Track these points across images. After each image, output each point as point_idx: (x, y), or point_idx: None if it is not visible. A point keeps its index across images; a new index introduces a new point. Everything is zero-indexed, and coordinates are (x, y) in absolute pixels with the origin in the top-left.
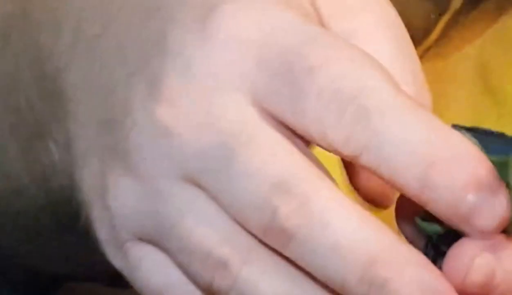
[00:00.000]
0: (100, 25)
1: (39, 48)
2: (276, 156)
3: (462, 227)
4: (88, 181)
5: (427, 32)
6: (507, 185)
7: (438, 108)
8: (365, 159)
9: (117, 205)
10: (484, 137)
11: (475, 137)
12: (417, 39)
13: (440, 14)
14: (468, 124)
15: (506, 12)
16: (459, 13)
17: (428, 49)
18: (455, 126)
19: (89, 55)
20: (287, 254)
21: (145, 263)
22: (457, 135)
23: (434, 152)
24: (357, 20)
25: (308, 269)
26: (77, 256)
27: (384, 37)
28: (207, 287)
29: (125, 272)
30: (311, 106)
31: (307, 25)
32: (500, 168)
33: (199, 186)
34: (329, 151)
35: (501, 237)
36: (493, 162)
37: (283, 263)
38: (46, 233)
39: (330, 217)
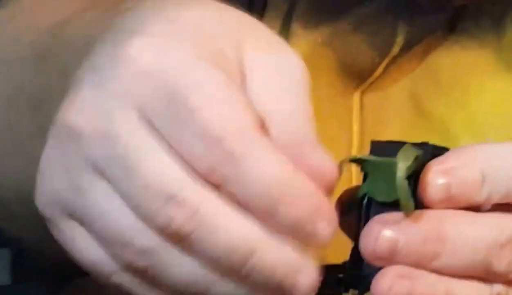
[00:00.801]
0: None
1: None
2: (161, 171)
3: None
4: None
5: (371, 71)
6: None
7: (380, 129)
8: (227, 189)
9: (43, 183)
10: (387, 147)
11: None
12: (363, 77)
13: (382, 58)
14: None
15: (431, 53)
16: (396, 56)
17: (372, 83)
18: (374, 141)
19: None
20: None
21: (74, 238)
22: (300, 179)
23: (280, 190)
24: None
25: None
26: None
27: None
28: (126, 265)
29: (62, 244)
30: (187, 138)
31: (200, 69)
32: (387, 168)
33: (108, 180)
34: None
35: (400, 214)
36: (386, 165)
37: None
38: None
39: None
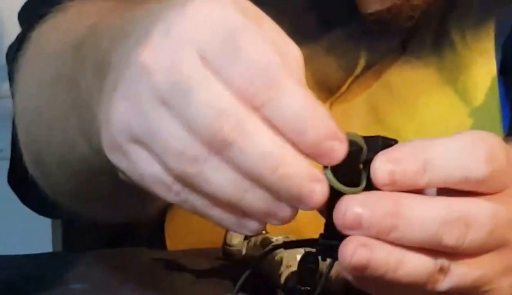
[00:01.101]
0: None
1: (100, 51)
2: (215, 94)
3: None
4: (101, 115)
5: (339, 87)
6: (360, 166)
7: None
8: (265, 113)
9: (115, 118)
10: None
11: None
12: (332, 91)
13: (348, 77)
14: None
15: (386, 72)
16: (358, 75)
17: (338, 96)
18: (348, 133)
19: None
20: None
21: (138, 159)
22: (321, 110)
23: (307, 115)
24: None
25: (240, 165)
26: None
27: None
28: (179, 175)
29: (125, 170)
30: (238, 73)
31: (245, 19)
32: (353, 162)
33: (168, 106)
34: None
35: (367, 193)
36: (351, 152)
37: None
38: (93, 176)
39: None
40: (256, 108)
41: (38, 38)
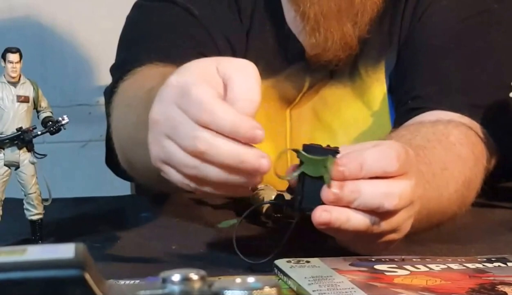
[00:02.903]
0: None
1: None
2: (188, 127)
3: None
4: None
5: (294, 99)
6: (323, 177)
7: (300, 129)
8: (212, 128)
9: (151, 152)
10: (312, 148)
11: (307, 149)
12: (290, 102)
13: (299, 93)
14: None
15: (322, 89)
16: (305, 92)
17: (294, 105)
18: (304, 145)
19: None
20: None
21: (171, 151)
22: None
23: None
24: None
25: None
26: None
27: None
28: (194, 152)
29: (162, 157)
30: (192, 109)
31: (194, 79)
32: (319, 164)
33: (172, 140)
34: None
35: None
36: (315, 160)
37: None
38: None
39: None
40: (207, 126)
41: (121, 91)
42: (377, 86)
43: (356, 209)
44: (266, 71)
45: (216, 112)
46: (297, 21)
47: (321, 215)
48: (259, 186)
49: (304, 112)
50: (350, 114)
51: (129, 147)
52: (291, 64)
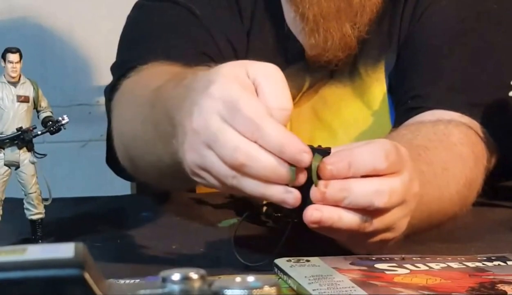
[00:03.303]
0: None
1: (168, 109)
2: (229, 138)
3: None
4: (180, 154)
5: (294, 98)
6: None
7: (301, 126)
8: (258, 141)
9: (188, 160)
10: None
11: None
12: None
13: (299, 92)
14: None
15: (321, 89)
16: (305, 91)
17: (294, 104)
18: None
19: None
20: None
21: (208, 156)
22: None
23: (280, 143)
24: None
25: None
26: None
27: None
28: (233, 164)
29: (199, 164)
30: (239, 124)
31: (241, 91)
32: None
33: (210, 149)
34: None
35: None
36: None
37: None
38: (166, 173)
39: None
40: (255, 141)
41: (125, 89)
42: (377, 86)
43: (347, 208)
44: None
45: (265, 129)
46: (296, 22)
47: (312, 213)
48: None
49: (304, 112)
50: (350, 113)
51: (134, 145)
52: (291, 64)
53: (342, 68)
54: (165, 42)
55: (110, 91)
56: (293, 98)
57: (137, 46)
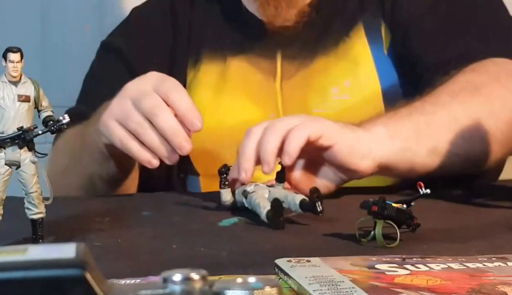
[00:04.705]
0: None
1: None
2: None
3: None
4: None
5: (274, 72)
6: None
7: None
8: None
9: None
10: None
11: None
12: (272, 74)
13: (274, 65)
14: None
15: (310, 59)
16: (283, 63)
17: (282, 80)
18: None
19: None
20: None
21: (116, 130)
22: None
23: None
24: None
25: None
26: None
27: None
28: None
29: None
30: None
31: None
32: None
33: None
34: None
35: None
36: None
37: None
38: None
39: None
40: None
41: (65, 138)
42: (359, 44)
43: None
44: (234, 48)
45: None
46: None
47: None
48: (249, 188)
49: (294, 83)
50: (338, 72)
51: (72, 176)
52: (257, 41)
53: (324, 40)
54: (96, 98)
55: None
56: (274, 71)
57: (82, 100)
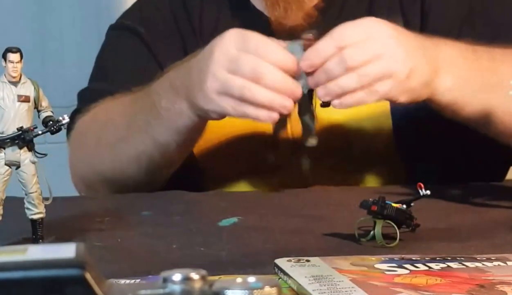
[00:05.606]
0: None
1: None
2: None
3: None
4: (194, 99)
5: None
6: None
7: None
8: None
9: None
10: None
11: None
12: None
13: None
14: None
15: None
16: None
17: None
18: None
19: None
20: None
21: (223, 100)
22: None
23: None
24: None
25: None
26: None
27: None
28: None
29: (218, 89)
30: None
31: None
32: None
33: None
34: None
35: None
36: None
37: None
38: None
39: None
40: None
41: (96, 113)
42: None
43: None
44: None
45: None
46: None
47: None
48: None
49: None
50: None
51: (110, 154)
52: None
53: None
54: (115, 82)
55: (74, 115)
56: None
57: (96, 81)
